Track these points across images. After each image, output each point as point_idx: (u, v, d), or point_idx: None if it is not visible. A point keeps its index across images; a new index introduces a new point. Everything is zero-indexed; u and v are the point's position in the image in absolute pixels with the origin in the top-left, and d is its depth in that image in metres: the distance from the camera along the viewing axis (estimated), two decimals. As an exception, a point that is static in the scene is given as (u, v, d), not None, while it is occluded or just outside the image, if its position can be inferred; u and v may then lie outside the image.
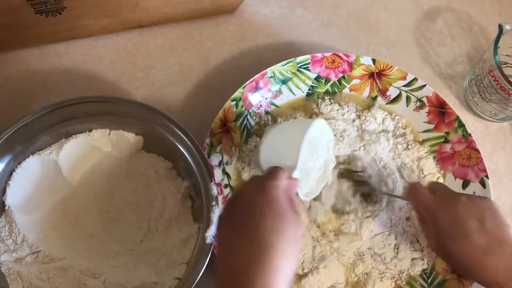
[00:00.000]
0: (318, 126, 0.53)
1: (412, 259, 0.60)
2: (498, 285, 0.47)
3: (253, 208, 0.43)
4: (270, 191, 0.44)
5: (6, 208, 0.55)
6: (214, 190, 0.53)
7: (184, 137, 0.55)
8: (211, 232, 0.51)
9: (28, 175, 0.56)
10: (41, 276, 0.53)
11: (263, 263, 0.39)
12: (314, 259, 0.59)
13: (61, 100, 0.55)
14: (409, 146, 0.65)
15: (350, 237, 0.60)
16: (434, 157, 0.65)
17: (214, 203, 0.53)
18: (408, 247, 0.60)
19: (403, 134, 0.66)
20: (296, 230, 0.43)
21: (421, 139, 0.66)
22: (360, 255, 0.60)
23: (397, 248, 0.60)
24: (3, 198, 0.55)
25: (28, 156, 0.56)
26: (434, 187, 0.54)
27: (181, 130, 0.55)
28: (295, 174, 0.49)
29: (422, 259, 0.60)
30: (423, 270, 0.60)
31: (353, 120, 0.66)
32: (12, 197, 0.55)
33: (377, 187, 0.62)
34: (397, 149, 0.64)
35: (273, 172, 0.47)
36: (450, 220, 0.49)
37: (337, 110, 0.65)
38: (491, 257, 0.47)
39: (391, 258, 0.60)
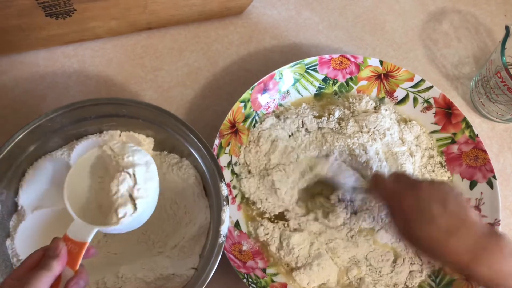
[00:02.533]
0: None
1: (410, 271, 0.60)
2: (463, 264, 0.48)
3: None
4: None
5: (19, 208, 0.56)
6: (225, 190, 0.54)
7: (194, 138, 0.55)
8: (223, 231, 0.52)
9: (40, 176, 0.56)
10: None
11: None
12: (309, 255, 0.59)
13: (72, 102, 0.55)
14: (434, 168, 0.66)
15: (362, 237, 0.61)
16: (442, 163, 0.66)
17: (224, 203, 0.53)
18: (407, 262, 0.60)
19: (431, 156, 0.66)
20: None
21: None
22: (355, 261, 0.60)
23: (395, 262, 0.60)
24: (16, 198, 0.56)
25: (40, 157, 0.57)
26: (395, 176, 0.55)
27: (191, 131, 0.56)
28: None
29: (421, 272, 0.60)
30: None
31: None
32: (25, 197, 0.55)
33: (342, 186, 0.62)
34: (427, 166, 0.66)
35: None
36: (414, 205, 0.50)
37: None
38: (455, 237, 0.48)
39: (388, 273, 0.60)
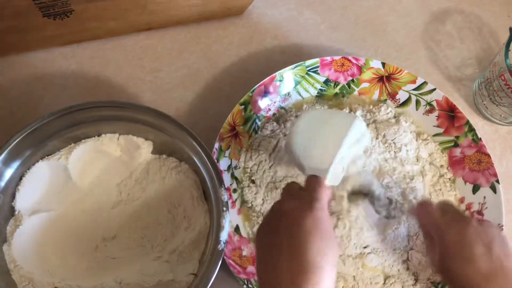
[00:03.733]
0: (358, 127, 0.51)
1: (403, 287, 0.59)
2: None
3: (299, 228, 0.43)
4: (317, 213, 0.44)
5: (16, 212, 0.55)
6: (225, 196, 0.53)
7: (194, 143, 0.55)
8: (223, 238, 0.51)
9: (38, 180, 0.56)
10: (53, 280, 0.53)
11: (310, 284, 0.40)
12: None
13: (70, 105, 0.55)
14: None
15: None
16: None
17: (224, 209, 0.52)
18: (399, 282, 0.59)
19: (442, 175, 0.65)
20: (337, 251, 0.44)
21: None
22: (343, 276, 0.58)
23: (384, 283, 0.59)
24: (13, 203, 0.55)
25: (37, 161, 0.56)
26: (444, 206, 0.54)
27: (191, 135, 0.55)
28: (328, 182, 0.49)
29: (414, 285, 0.59)
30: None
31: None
32: (22, 202, 0.55)
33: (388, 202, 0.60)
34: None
35: (314, 186, 0.47)
36: (458, 241, 0.49)
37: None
38: (493, 284, 0.47)
39: None
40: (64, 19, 0.63)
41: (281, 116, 0.65)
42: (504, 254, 0.48)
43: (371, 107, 0.66)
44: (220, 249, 0.51)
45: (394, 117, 0.66)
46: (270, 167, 0.61)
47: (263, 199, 0.60)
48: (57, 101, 0.66)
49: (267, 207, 0.60)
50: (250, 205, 0.61)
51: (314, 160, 0.50)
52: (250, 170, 0.62)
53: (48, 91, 0.66)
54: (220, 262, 0.50)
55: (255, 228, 0.60)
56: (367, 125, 0.64)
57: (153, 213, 0.57)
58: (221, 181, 0.53)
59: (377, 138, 0.63)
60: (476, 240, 0.49)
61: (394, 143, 0.63)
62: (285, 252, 0.42)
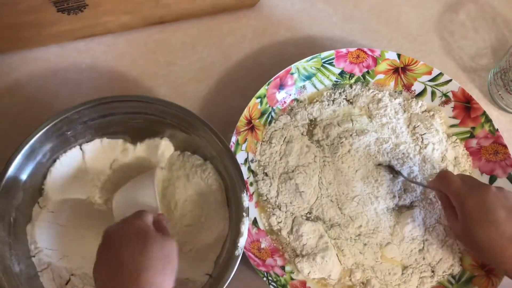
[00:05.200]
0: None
1: (420, 277, 0.59)
2: None
3: (122, 239, 0.45)
4: (136, 222, 0.46)
5: (44, 194, 0.56)
6: (246, 202, 0.53)
7: (219, 143, 0.55)
8: (241, 243, 0.51)
9: (69, 165, 0.57)
10: (71, 266, 0.54)
11: (135, 281, 0.42)
12: (316, 246, 0.58)
13: (102, 97, 0.56)
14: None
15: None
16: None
17: (244, 214, 0.52)
18: (417, 272, 0.59)
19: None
20: (163, 247, 0.45)
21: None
22: (361, 266, 0.59)
23: (403, 274, 0.59)
24: (44, 183, 0.56)
25: (74, 146, 0.58)
26: (464, 177, 0.55)
27: (217, 136, 0.55)
28: (160, 211, 0.53)
29: (432, 277, 0.59)
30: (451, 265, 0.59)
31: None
32: (51, 184, 0.56)
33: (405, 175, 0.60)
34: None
35: (139, 213, 0.48)
36: (479, 206, 0.50)
37: None
38: None
39: (395, 285, 0.59)
40: (78, 14, 0.63)
41: (293, 108, 0.65)
42: None
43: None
44: (237, 254, 0.51)
45: (428, 111, 0.66)
46: (281, 158, 0.62)
47: (277, 191, 0.61)
48: (73, 96, 0.66)
49: (282, 198, 0.60)
50: (265, 198, 0.61)
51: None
52: (263, 163, 0.62)
53: (63, 86, 0.67)
54: (236, 267, 0.50)
55: (271, 220, 0.60)
56: (403, 112, 0.65)
57: (177, 210, 0.58)
58: (244, 186, 0.53)
59: (408, 127, 0.64)
60: (497, 204, 0.49)
61: (422, 139, 0.63)
62: (114, 263, 0.44)
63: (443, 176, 0.55)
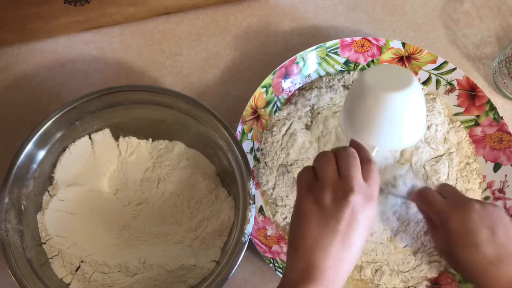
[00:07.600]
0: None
1: (430, 262, 0.59)
2: None
3: (356, 218, 0.42)
4: (371, 211, 0.44)
5: (54, 182, 0.57)
6: (252, 189, 0.53)
7: (227, 134, 0.55)
8: (248, 230, 0.52)
9: (79, 154, 0.58)
10: (80, 254, 0.55)
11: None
12: None
13: (111, 86, 0.57)
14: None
15: None
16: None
17: (250, 201, 0.53)
18: (426, 257, 0.59)
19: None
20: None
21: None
22: (373, 262, 0.59)
23: (415, 259, 0.59)
24: (53, 171, 0.57)
25: (83, 135, 0.59)
26: (445, 190, 0.54)
27: (224, 126, 0.55)
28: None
29: (439, 262, 0.58)
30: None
31: None
32: (61, 172, 0.57)
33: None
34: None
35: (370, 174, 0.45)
36: (462, 227, 0.49)
37: None
38: (498, 268, 0.47)
39: (409, 269, 0.59)
40: (85, 5, 0.63)
41: (294, 96, 0.65)
42: (508, 238, 0.48)
43: None
44: (244, 241, 0.51)
45: (429, 95, 0.65)
46: (282, 149, 0.62)
47: (274, 183, 0.60)
48: (80, 87, 0.66)
49: (278, 191, 0.60)
50: (263, 188, 0.61)
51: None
52: (264, 152, 0.62)
53: (71, 77, 0.67)
54: (243, 253, 0.51)
55: (276, 217, 0.60)
56: None
57: (172, 198, 0.59)
58: (250, 174, 0.54)
59: None
60: (480, 225, 0.48)
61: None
62: (331, 227, 0.42)
63: (424, 195, 0.54)
